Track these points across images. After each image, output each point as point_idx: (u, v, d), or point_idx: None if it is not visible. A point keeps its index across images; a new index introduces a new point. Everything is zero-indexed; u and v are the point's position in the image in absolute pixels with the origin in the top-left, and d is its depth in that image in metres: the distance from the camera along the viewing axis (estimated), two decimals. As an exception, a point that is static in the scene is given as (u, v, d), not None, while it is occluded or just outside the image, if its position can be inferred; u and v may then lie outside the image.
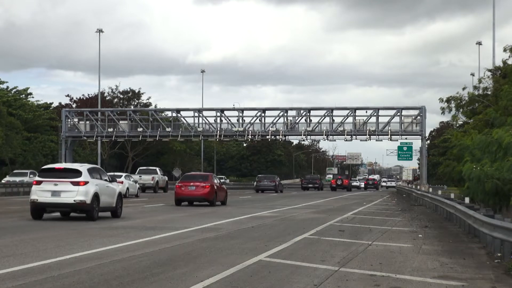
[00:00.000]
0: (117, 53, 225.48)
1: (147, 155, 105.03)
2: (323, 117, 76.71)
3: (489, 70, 47.88)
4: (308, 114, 76.99)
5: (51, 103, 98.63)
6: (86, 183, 24.43)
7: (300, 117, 77.03)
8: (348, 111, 76.40)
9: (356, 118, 76.20)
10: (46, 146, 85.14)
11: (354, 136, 76.65)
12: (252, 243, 17.09)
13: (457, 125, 55.65)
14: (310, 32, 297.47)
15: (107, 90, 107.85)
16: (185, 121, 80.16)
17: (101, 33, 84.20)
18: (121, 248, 15.54)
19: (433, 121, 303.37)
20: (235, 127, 77.62)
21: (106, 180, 26.23)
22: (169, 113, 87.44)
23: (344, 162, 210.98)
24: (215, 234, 19.45)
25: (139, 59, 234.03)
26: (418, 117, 74.84)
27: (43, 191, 24.35)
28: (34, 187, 24.75)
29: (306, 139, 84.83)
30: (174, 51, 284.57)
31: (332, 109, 76.83)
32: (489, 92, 44.89)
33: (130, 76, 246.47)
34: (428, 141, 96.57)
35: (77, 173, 24.78)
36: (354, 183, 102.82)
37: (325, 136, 77.52)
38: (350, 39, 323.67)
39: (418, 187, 62.48)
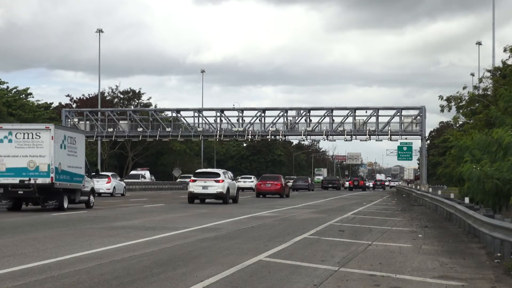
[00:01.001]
0: (118, 53, 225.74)
1: (147, 155, 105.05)
2: (323, 117, 76.77)
3: (489, 71, 47.88)
4: (308, 114, 77.03)
5: (51, 103, 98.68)
6: (223, 181, 39.61)
7: (300, 117, 77.08)
8: (348, 111, 76.44)
9: (356, 118, 76.26)
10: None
11: (354, 136, 76.69)
12: (252, 243, 17.09)
13: (457, 125, 55.66)
14: (310, 32, 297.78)
15: (107, 90, 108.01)
16: (185, 121, 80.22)
17: (101, 33, 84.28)
18: (121, 248, 15.54)
19: (433, 121, 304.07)
20: (235, 127, 77.66)
21: (230, 179, 41.47)
22: (169, 113, 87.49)
23: (344, 162, 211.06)
24: (215, 234, 19.45)
25: (140, 59, 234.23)
26: (418, 117, 74.88)
27: (197, 186, 39.59)
28: (191, 183, 40.31)
29: (306, 139, 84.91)
30: (175, 51, 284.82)
31: (332, 109, 76.87)
32: (489, 92, 44.88)
33: (130, 76, 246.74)
34: (428, 141, 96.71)
35: (217, 174, 40.18)
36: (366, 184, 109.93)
37: (325, 136, 77.56)
38: (350, 39, 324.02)
39: (418, 187, 62.48)
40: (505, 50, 41.93)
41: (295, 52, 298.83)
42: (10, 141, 29.90)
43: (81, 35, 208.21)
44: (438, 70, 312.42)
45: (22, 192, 29.80)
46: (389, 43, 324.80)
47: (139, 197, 49.30)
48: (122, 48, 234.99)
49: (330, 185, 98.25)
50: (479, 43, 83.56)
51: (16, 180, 29.60)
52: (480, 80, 46.97)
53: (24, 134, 30.05)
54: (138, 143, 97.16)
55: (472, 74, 79.31)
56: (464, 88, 45.32)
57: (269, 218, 26.74)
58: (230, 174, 42.74)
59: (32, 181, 29.56)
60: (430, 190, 51.07)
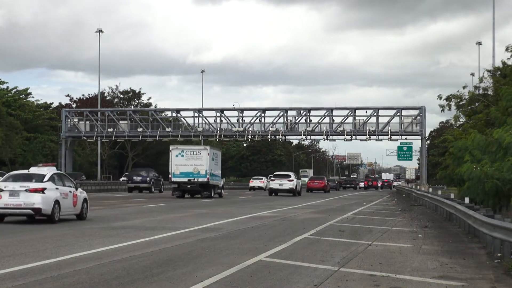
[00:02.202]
0: (118, 53, 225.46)
1: (147, 155, 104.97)
2: (323, 117, 76.77)
3: (489, 71, 47.80)
4: (308, 114, 77.04)
5: (51, 103, 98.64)
6: (293, 180, 57.76)
7: (300, 117, 77.08)
8: (348, 111, 76.44)
9: (356, 118, 76.28)
10: (46, 146, 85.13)
11: (354, 136, 76.70)
12: (252, 243, 17.09)
13: (457, 124, 55.59)
14: (311, 32, 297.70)
15: (107, 90, 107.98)
16: (185, 121, 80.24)
17: (101, 33, 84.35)
18: (121, 248, 15.54)
19: (433, 121, 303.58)
20: (235, 127, 77.67)
21: (297, 179, 60.29)
22: (169, 113, 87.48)
23: (344, 162, 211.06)
24: (215, 234, 19.44)
25: (140, 59, 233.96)
26: (418, 117, 74.88)
27: (275, 183, 57.74)
28: (271, 182, 59.07)
29: (306, 139, 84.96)
30: (175, 51, 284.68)
31: (332, 109, 76.88)
32: (489, 92, 44.82)
33: (131, 76, 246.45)
34: (428, 141, 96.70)
35: (289, 175, 59.48)
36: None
37: (325, 136, 77.57)
38: (350, 39, 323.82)
39: (418, 187, 62.47)
40: (507, 49, 41.80)
41: (295, 52, 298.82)
42: (182, 156, 48.76)
43: (82, 35, 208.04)
44: (438, 70, 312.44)
45: (189, 186, 48.55)
46: (389, 43, 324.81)
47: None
48: (122, 48, 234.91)
49: (348, 185, 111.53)
50: (479, 43, 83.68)
51: (185, 179, 48.30)
52: (481, 80, 46.87)
53: (190, 151, 49.25)
54: (138, 143, 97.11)
55: (472, 74, 79.37)
56: (464, 87, 45.25)
57: (269, 218, 26.74)
58: (295, 174, 61.73)
59: (195, 180, 48.13)
60: (430, 190, 51.06)
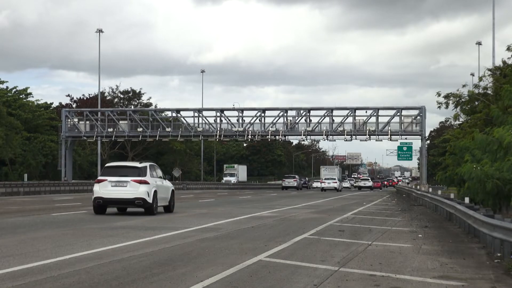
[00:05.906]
0: (120, 53, 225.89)
1: (147, 155, 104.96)
2: (323, 117, 76.80)
3: (489, 70, 47.73)
4: (308, 114, 77.04)
5: (51, 103, 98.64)
6: (370, 181, 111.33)
7: (300, 117, 77.10)
8: (348, 111, 76.46)
9: (356, 118, 76.33)
10: (46, 146, 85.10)
11: (354, 136, 76.74)
12: (252, 243, 17.08)
13: (457, 123, 55.51)
14: (312, 32, 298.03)
15: (107, 90, 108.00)
16: (185, 121, 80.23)
17: (101, 33, 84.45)
18: (121, 248, 15.53)
19: (433, 121, 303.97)
20: (235, 127, 77.68)
21: (372, 179, 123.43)
22: (169, 113, 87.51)
23: (344, 162, 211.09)
24: (215, 234, 19.44)
25: (142, 60, 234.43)
26: (418, 117, 74.90)
27: (361, 183, 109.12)
28: (357, 182, 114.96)
29: (306, 139, 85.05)
30: (176, 52, 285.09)
31: (332, 109, 76.90)
32: (489, 92, 44.75)
33: (132, 76, 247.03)
34: (428, 141, 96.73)
35: (368, 178, 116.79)
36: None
37: (325, 136, 77.61)
38: (352, 39, 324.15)
39: (418, 187, 62.46)
40: (508, 49, 41.66)
41: (296, 52, 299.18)
42: (326, 170, 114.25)
43: (84, 36, 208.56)
44: (439, 70, 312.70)
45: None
46: (391, 43, 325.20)
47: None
48: (124, 48, 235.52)
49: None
50: (479, 43, 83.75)
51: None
52: (480, 79, 46.78)
53: (330, 168, 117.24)
54: (138, 143, 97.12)
55: (472, 74, 79.35)
56: (464, 86, 45.14)
57: (269, 218, 26.73)
58: (371, 176, 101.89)
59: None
60: (430, 190, 51.03)
